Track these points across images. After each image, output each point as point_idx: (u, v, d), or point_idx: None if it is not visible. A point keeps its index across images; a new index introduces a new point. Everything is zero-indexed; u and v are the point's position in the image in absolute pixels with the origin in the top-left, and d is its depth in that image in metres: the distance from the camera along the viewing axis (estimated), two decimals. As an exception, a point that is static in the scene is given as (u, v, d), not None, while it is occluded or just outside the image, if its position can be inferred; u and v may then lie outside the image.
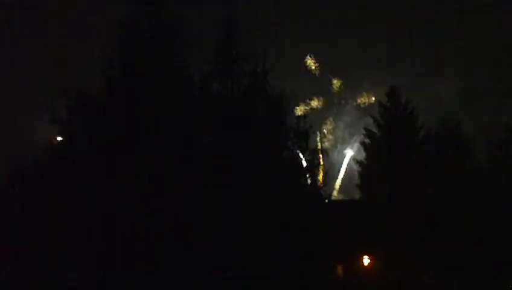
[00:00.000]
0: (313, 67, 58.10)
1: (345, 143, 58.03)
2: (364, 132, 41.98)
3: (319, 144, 44.01)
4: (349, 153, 57.21)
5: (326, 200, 36.83)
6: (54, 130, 31.16)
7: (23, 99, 30.15)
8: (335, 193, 51.28)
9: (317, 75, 58.37)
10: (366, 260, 34.60)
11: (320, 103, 57.97)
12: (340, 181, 55.70)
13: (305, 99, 55.28)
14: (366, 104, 56.86)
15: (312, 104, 56.98)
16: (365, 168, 40.94)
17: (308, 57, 57.95)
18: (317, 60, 57.96)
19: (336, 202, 39.76)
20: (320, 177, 35.83)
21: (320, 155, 36.63)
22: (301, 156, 34.51)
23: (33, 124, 29.85)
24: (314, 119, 44.22)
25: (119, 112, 29.47)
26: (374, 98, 54.93)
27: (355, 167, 44.43)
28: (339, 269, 34.55)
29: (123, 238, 27.34)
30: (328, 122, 58.11)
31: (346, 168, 56.56)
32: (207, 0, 32.71)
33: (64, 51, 30.32)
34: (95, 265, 27.24)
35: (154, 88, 29.57)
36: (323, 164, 36.39)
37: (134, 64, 29.95)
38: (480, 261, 33.00)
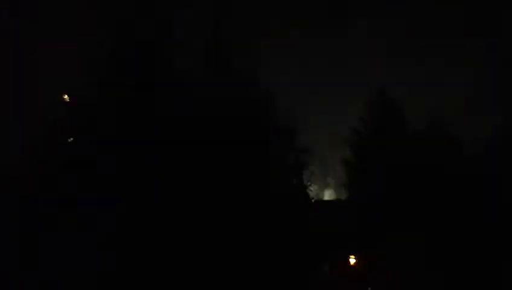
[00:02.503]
0: None
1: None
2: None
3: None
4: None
5: (313, 200, 36.96)
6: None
7: (11, 102, 29.96)
8: (325, 192, 51.32)
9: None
10: (352, 260, 34.89)
11: None
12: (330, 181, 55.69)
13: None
14: None
15: None
16: (352, 166, 41.10)
17: None
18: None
19: (323, 201, 39.83)
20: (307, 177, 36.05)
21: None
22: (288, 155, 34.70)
23: (21, 127, 29.66)
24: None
25: (109, 114, 29.54)
26: None
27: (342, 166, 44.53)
28: (327, 269, 34.82)
29: (119, 238, 27.51)
30: None
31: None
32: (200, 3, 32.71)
33: (52, 52, 30.15)
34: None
35: (144, 90, 29.70)
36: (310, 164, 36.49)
37: (125, 67, 30.02)
38: (478, 261, 33.38)
